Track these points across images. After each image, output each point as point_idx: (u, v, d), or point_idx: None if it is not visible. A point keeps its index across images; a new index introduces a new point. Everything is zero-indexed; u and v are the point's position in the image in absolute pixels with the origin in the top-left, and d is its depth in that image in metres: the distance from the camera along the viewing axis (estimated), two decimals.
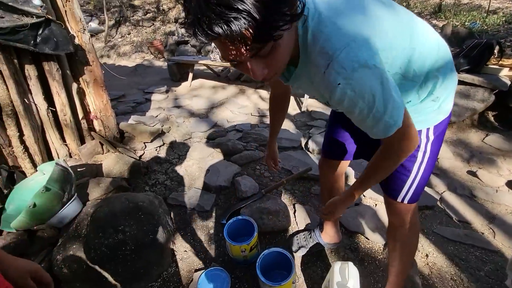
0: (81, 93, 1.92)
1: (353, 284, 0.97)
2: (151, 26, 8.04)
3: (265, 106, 3.39)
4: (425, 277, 1.29)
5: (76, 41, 1.79)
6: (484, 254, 1.39)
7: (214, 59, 3.89)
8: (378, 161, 0.73)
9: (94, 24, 7.95)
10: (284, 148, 2.35)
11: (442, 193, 1.82)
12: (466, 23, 6.47)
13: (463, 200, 1.75)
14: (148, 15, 8.25)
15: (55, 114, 1.79)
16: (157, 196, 1.61)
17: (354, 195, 0.83)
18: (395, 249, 1.02)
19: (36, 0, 1.55)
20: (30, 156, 1.70)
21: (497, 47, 2.61)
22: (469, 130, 2.57)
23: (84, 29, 1.83)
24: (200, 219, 1.65)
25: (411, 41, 0.67)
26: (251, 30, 0.43)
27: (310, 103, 3.32)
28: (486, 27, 6.00)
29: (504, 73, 2.53)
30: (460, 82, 2.61)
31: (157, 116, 3.06)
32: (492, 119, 2.69)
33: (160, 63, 6.44)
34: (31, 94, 1.66)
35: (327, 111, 3.11)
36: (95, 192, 1.63)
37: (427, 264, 1.35)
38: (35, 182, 1.49)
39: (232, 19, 0.41)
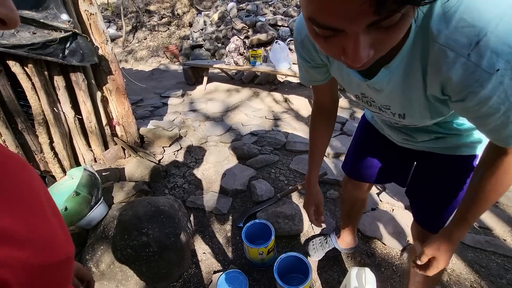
0: (105, 101, 2.03)
1: None
2: (166, 30, 8.25)
3: (279, 109, 3.42)
4: (443, 284, 1.28)
5: (100, 52, 1.89)
6: (506, 262, 1.36)
7: (229, 63, 3.95)
8: (495, 178, 0.56)
9: (112, 30, 8.24)
10: (298, 152, 2.37)
11: None
12: None
13: None
14: (164, 20, 8.46)
15: (81, 122, 1.90)
16: (177, 200, 1.68)
17: (463, 232, 0.64)
18: (419, 274, 0.95)
19: (64, 16, 1.66)
20: (59, 162, 1.81)
21: None
22: None
23: (107, 41, 1.93)
24: (218, 222, 1.70)
25: None
26: None
27: None
28: None
29: None
30: None
31: (174, 120, 3.15)
32: None
33: (176, 67, 6.60)
34: (59, 103, 1.78)
35: (342, 113, 3.10)
36: (119, 196, 1.72)
37: (445, 270, 1.34)
38: (65, 186, 1.60)
39: None
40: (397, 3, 0.30)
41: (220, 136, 2.75)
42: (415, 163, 0.93)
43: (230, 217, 1.73)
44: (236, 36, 4.12)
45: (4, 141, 1.56)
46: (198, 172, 2.16)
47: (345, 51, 0.38)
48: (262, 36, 5.44)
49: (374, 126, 0.96)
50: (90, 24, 1.84)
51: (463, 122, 0.71)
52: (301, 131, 2.77)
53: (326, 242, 1.39)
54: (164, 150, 2.39)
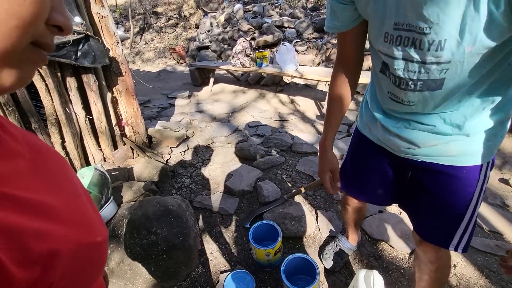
0: (114, 102, 2.06)
1: None
2: (173, 32, 8.33)
3: (285, 110, 3.42)
4: None
5: (111, 53, 1.93)
6: None
7: (235, 64, 3.98)
8: None
9: (120, 32, 8.37)
10: (305, 153, 2.37)
11: None
12: None
13: (494, 209, 1.69)
14: (171, 22, 8.54)
15: (91, 122, 1.94)
16: (184, 200, 1.70)
17: None
18: (424, 280, 0.95)
19: (77, 18, 1.70)
20: (70, 161, 1.85)
21: None
22: None
23: (118, 42, 1.96)
24: (224, 222, 1.71)
25: None
26: None
27: None
28: None
29: None
30: None
31: (180, 121, 3.19)
32: None
33: (182, 68, 6.66)
34: (71, 104, 1.81)
35: (350, 115, 3.09)
36: (128, 195, 1.75)
37: (455, 274, 1.33)
38: None
39: None
40: None
41: (226, 137, 2.76)
42: (409, 176, 0.89)
43: (237, 218, 1.74)
44: (243, 38, 4.14)
45: None
46: (205, 173, 2.18)
47: None
48: (269, 38, 5.46)
49: (369, 137, 0.90)
50: (101, 26, 1.88)
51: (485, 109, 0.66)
52: (308, 132, 2.77)
53: (336, 245, 1.38)
54: (172, 151, 2.41)
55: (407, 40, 0.60)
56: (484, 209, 1.69)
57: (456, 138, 0.70)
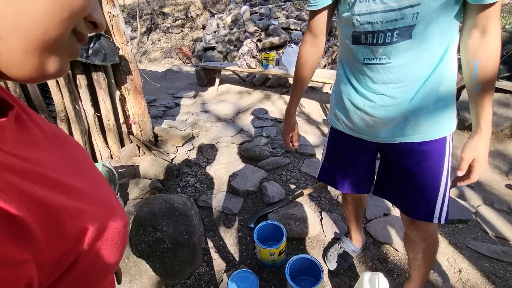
0: (123, 100, 2.09)
1: None
2: (179, 32, 8.39)
3: None
4: None
5: (120, 52, 1.95)
6: None
7: (241, 65, 4.00)
8: (490, 53, 0.65)
9: (127, 31, 8.46)
10: (309, 155, 2.37)
11: (477, 207, 1.75)
12: (507, 26, 6.05)
13: (501, 215, 1.67)
14: (177, 22, 8.61)
15: (100, 119, 1.96)
16: (189, 198, 1.71)
17: (488, 118, 0.69)
18: (419, 258, 1.01)
19: None
20: None
21: None
22: (508, 141, 2.43)
23: (128, 41, 1.99)
24: (229, 221, 1.72)
25: None
26: None
27: None
28: None
29: None
30: (499, 90, 2.48)
31: (186, 120, 3.21)
32: None
33: (188, 68, 6.71)
34: (81, 101, 1.84)
35: None
36: (134, 192, 1.76)
37: (460, 279, 1.32)
38: None
39: None
40: None
41: (231, 137, 2.78)
42: (386, 160, 0.95)
43: (241, 218, 1.75)
44: (249, 39, 4.16)
45: None
46: (210, 172, 2.19)
47: None
48: (275, 40, 5.48)
49: (344, 131, 0.96)
50: (112, 25, 1.91)
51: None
52: (312, 134, 2.77)
53: (340, 248, 1.39)
54: (177, 149, 2.43)
55: None
56: (490, 215, 1.67)
57: (417, 112, 0.77)
